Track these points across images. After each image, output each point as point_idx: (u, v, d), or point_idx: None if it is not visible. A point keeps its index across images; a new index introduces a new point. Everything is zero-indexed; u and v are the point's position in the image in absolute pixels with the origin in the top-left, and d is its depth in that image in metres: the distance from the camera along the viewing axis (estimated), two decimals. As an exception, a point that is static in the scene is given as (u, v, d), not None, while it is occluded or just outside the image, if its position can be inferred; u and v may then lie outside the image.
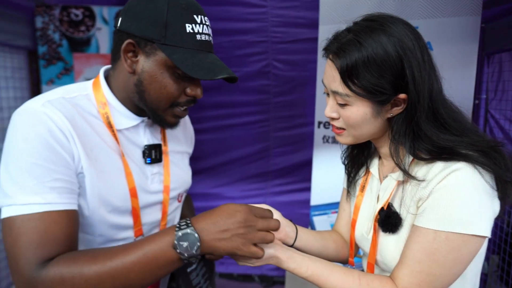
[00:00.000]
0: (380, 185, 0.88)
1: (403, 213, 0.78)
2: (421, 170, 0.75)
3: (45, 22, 2.33)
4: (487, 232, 0.69)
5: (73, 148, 0.76)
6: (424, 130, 0.73)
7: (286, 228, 0.90)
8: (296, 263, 0.78)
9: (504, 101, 1.94)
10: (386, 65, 0.71)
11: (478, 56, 1.69)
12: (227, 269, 2.88)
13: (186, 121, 1.15)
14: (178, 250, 0.70)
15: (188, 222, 0.73)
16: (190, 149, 1.14)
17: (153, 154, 0.92)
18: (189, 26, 0.79)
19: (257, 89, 2.66)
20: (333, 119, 0.82)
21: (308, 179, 2.20)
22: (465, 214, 0.68)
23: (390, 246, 0.80)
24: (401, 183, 0.80)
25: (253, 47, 2.59)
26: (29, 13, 2.32)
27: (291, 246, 0.91)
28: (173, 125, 0.90)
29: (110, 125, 0.84)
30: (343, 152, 1.00)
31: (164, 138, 0.99)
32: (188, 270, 0.99)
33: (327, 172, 2.09)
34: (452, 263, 0.70)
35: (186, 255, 0.71)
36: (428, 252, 0.70)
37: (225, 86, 2.69)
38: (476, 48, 1.67)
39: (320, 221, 2.11)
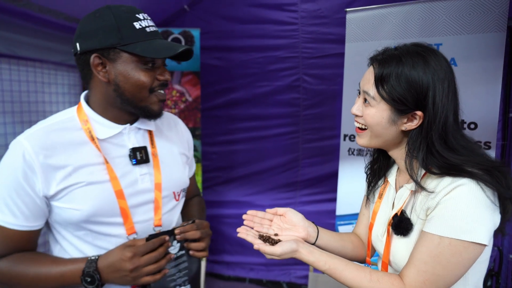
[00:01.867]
0: (395, 193, 0.97)
1: (413, 219, 0.88)
2: (432, 183, 0.85)
3: (97, 43, 2.58)
4: (486, 241, 0.77)
5: (39, 180, 0.92)
6: (437, 148, 0.83)
7: (309, 228, 1.00)
8: (315, 257, 0.88)
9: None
10: (414, 84, 0.83)
11: (507, 71, 1.70)
12: (257, 275, 2.98)
13: (179, 126, 1.25)
14: (83, 283, 0.93)
15: (95, 261, 0.94)
16: (186, 151, 1.22)
17: (137, 155, 1.03)
18: (137, 24, 0.94)
19: (288, 102, 2.79)
20: (357, 116, 0.95)
21: (336, 190, 2.26)
22: (467, 224, 0.77)
23: (400, 248, 0.89)
24: (414, 192, 0.90)
25: (284, 62, 2.72)
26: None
27: (313, 244, 1.00)
28: (159, 111, 1.02)
29: (92, 138, 0.98)
30: (367, 165, 1.11)
31: (151, 141, 1.09)
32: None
33: (352, 183, 2.15)
34: (453, 265, 0.79)
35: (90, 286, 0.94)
36: (433, 255, 0.80)
37: (257, 100, 2.84)
38: (501, 64, 1.68)
39: (345, 231, 2.16)
